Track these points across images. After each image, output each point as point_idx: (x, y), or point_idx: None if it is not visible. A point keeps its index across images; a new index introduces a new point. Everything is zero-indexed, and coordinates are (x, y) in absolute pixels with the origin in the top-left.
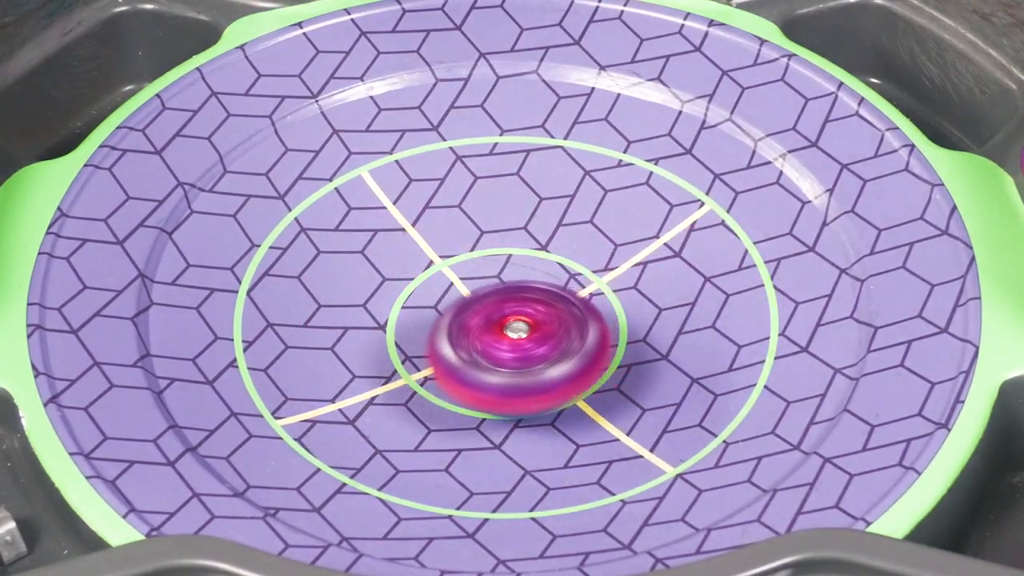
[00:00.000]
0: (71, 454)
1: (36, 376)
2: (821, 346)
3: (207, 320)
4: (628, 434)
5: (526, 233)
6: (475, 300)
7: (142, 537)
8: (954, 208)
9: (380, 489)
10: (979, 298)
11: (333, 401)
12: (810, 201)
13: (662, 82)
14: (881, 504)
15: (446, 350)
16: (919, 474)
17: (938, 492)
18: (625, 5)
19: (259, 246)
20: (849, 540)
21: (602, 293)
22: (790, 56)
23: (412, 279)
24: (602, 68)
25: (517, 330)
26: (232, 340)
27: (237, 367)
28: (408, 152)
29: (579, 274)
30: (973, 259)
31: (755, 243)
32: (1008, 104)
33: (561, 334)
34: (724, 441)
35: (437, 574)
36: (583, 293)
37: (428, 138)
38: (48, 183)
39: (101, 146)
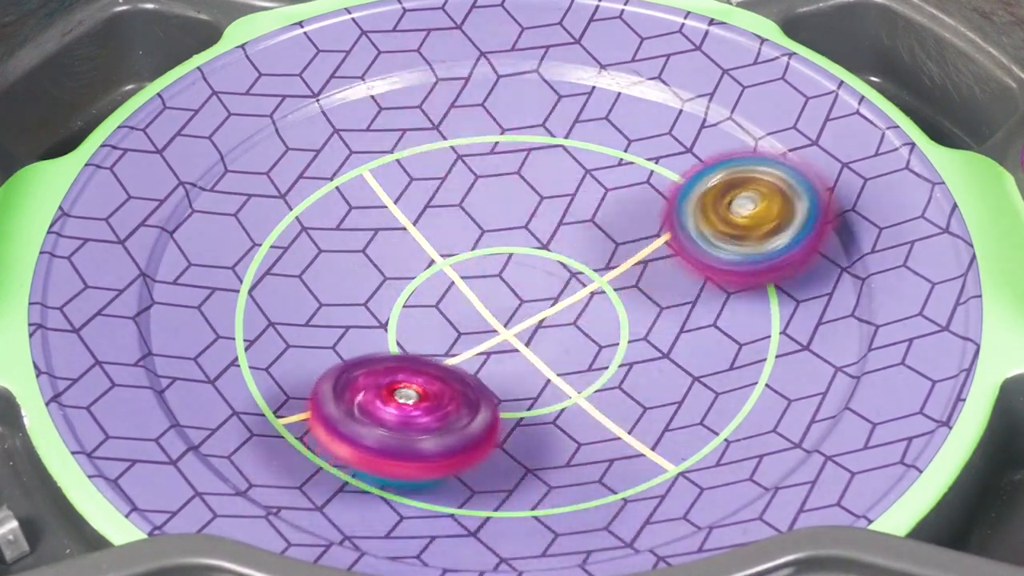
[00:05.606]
0: (73, 453)
1: (38, 375)
2: (822, 344)
3: (208, 319)
4: (629, 432)
5: (527, 232)
6: (368, 361)
7: (144, 536)
8: (955, 206)
9: (382, 488)
10: (980, 296)
11: None
12: None
13: (663, 81)
14: (883, 502)
15: (328, 403)
16: (920, 472)
17: (939, 490)
18: (626, 4)
19: (260, 245)
20: (851, 538)
21: (603, 291)
22: (790, 55)
23: (413, 278)
24: (603, 67)
25: (406, 396)
26: (233, 339)
27: (239, 366)
28: (409, 151)
29: (580, 272)
30: (974, 257)
31: None
32: (1008, 102)
33: (450, 409)
34: (725, 439)
35: (439, 573)
36: (584, 292)
37: (429, 137)
38: (49, 182)
39: (102, 145)
